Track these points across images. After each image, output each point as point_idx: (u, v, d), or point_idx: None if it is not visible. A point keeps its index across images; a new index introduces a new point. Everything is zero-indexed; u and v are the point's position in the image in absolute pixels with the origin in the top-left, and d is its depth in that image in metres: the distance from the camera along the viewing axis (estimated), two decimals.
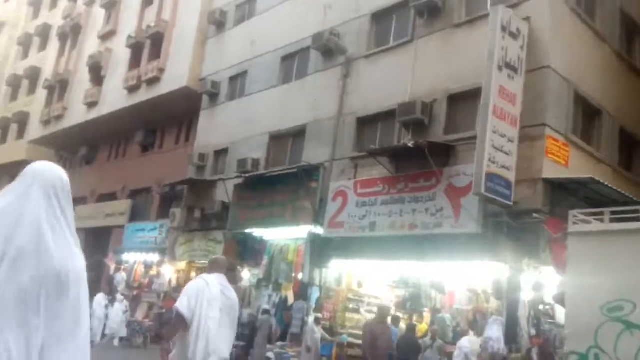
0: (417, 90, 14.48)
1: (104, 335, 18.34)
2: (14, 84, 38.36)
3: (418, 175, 13.50)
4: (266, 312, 16.40)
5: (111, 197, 28.46)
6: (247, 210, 18.46)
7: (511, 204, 11.59)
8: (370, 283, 16.33)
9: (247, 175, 18.60)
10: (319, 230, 15.96)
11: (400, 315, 15.44)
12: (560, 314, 12.86)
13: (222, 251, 19.35)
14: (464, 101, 13.73)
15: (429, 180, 13.21)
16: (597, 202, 11.47)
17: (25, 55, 39.02)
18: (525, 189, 11.80)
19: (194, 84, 23.17)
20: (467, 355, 11.53)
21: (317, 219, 16.07)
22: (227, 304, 5.11)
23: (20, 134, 36.13)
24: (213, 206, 19.93)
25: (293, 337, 15.84)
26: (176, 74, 23.76)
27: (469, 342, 11.77)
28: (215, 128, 22.00)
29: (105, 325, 18.40)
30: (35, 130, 33.71)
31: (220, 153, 21.40)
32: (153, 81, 24.80)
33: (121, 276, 23.94)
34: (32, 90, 36.43)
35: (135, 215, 26.39)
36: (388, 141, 14.92)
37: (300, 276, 16.23)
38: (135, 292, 22.98)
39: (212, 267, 5.35)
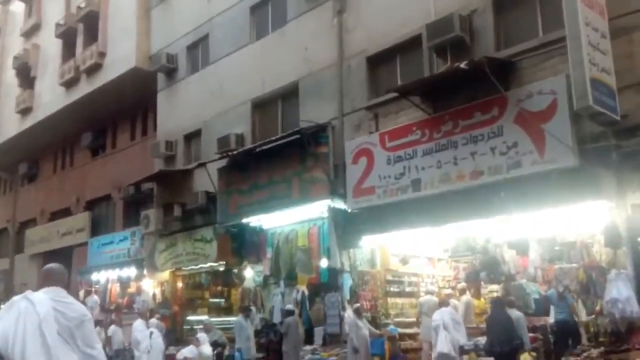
0: (444, 5, 11.39)
1: None
2: None
3: (470, 109, 10.44)
4: (290, 313, 13.30)
5: (65, 213, 25.02)
6: (240, 196, 15.14)
7: (619, 118, 8.72)
8: (414, 258, 13.36)
9: (232, 153, 15.24)
10: (339, 203, 12.83)
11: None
12: None
13: (215, 251, 16.13)
14: (517, 2, 10.74)
15: (488, 111, 10.17)
16: None
17: None
18: (632, 96, 8.93)
19: (145, 63, 19.57)
20: (435, 330, 10.22)
21: (335, 190, 12.95)
22: (65, 324, 4.25)
23: None
24: (195, 199, 16.52)
25: (332, 339, 12.75)
26: (121, 55, 20.09)
27: (439, 315, 10.35)
28: (179, 109, 18.46)
29: None
30: None
31: (192, 137, 17.97)
32: (94, 69, 21.12)
33: (93, 300, 20.41)
34: None
35: (98, 228, 23.14)
36: (414, 76, 11.80)
37: (323, 263, 13.14)
38: (113, 316, 19.38)
39: (43, 280, 4.49)
